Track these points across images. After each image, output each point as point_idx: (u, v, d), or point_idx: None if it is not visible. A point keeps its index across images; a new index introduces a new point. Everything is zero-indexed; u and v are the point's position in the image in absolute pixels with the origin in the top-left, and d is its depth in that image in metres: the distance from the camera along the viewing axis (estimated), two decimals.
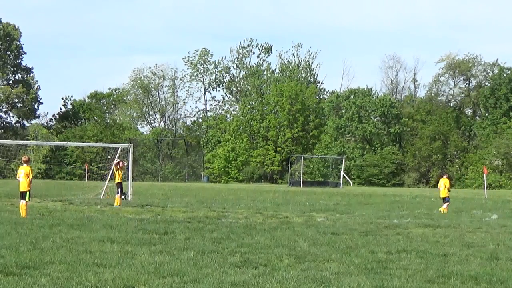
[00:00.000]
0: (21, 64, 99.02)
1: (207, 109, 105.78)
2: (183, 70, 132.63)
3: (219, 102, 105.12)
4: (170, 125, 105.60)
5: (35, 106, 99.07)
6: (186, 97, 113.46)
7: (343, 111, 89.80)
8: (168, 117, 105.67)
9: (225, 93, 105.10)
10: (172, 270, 9.60)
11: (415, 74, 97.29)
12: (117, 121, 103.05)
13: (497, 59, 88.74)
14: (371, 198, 37.74)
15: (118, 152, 31.62)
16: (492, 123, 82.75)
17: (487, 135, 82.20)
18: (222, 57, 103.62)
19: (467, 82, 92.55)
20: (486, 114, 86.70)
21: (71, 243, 12.52)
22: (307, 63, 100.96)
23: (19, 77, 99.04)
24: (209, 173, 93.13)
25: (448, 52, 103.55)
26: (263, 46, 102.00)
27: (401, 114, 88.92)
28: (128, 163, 29.74)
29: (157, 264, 10.15)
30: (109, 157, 38.64)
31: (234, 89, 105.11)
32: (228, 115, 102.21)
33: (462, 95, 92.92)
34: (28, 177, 19.17)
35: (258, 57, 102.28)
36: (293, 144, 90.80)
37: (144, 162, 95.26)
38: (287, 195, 41.10)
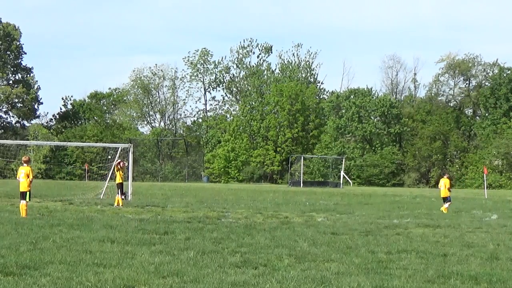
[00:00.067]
0: (21, 64, 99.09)
1: (207, 109, 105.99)
2: (183, 70, 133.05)
3: (219, 102, 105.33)
4: (170, 125, 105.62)
5: (35, 106, 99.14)
6: (186, 97, 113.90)
7: (343, 111, 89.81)
8: (168, 117, 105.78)
9: (225, 93, 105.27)
10: (172, 270, 9.60)
11: (415, 74, 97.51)
12: (117, 121, 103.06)
13: (497, 59, 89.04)
14: (371, 198, 37.74)
15: (118, 152, 31.62)
16: (492, 123, 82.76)
17: (487, 135, 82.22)
18: (222, 57, 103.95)
19: (467, 82, 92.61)
20: (486, 114, 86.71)
21: (71, 243, 12.52)
22: (307, 63, 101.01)
23: (19, 77, 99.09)
24: (209, 173, 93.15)
25: (448, 52, 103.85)
26: (263, 46, 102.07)
27: (401, 114, 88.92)
28: (128, 163, 29.74)
29: (157, 264, 10.14)
30: (109, 157, 38.66)
31: (234, 89, 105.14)
32: (228, 115, 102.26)
33: (462, 95, 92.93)
34: (28, 177, 19.17)
35: (258, 57, 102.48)
36: (293, 144, 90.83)
37: (144, 162, 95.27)
38: (287, 195, 41.11)
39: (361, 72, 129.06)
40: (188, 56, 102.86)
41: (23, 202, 19.14)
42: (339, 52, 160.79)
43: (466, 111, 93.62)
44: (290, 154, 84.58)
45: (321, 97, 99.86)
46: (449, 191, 26.02)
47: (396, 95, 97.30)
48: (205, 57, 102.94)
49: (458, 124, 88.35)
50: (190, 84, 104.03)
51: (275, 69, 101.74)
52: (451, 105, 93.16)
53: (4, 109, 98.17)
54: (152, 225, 16.38)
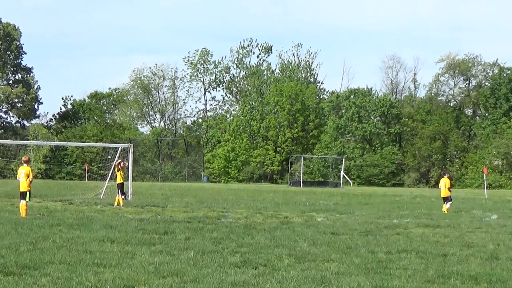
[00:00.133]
0: (21, 64, 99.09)
1: (207, 109, 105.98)
2: (183, 70, 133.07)
3: (219, 102, 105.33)
4: (170, 125, 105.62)
5: (35, 106, 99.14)
6: (186, 97, 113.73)
7: (343, 111, 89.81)
8: (168, 117, 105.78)
9: (225, 93, 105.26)
10: (172, 270, 9.60)
11: (415, 74, 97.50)
12: (117, 121, 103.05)
13: (497, 59, 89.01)
14: (371, 198, 37.74)
15: (118, 152, 31.63)
16: (492, 123, 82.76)
17: (487, 135, 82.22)
18: (222, 57, 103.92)
19: (467, 82, 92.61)
20: (486, 114, 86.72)
21: (71, 243, 12.52)
22: (307, 63, 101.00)
23: (19, 77, 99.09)
24: (209, 173, 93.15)
25: (448, 52, 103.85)
26: (263, 46, 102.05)
27: (401, 114, 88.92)
28: (128, 163, 29.74)
29: (157, 264, 10.14)
30: (109, 157, 38.67)
31: (234, 89, 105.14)
32: (228, 115, 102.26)
33: (462, 95, 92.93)
34: (28, 177, 19.18)
35: (258, 57, 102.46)
36: (293, 144, 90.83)
37: (144, 162, 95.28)
38: (287, 195, 41.11)
39: (361, 72, 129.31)
40: (188, 56, 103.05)
41: (23, 202, 19.15)
42: (339, 52, 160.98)
43: (466, 111, 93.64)
44: (290, 154, 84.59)
45: (321, 97, 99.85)
46: (449, 191, 26.02)
47: (396, 95, 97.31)
48: (205, 57, 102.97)
49: (458, 124, 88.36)
50: (190, 84, 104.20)
51: (275, 69, 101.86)
52: (451, 105, 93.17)
53: (4, 109, 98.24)
54: (152, 225, 16.38)
